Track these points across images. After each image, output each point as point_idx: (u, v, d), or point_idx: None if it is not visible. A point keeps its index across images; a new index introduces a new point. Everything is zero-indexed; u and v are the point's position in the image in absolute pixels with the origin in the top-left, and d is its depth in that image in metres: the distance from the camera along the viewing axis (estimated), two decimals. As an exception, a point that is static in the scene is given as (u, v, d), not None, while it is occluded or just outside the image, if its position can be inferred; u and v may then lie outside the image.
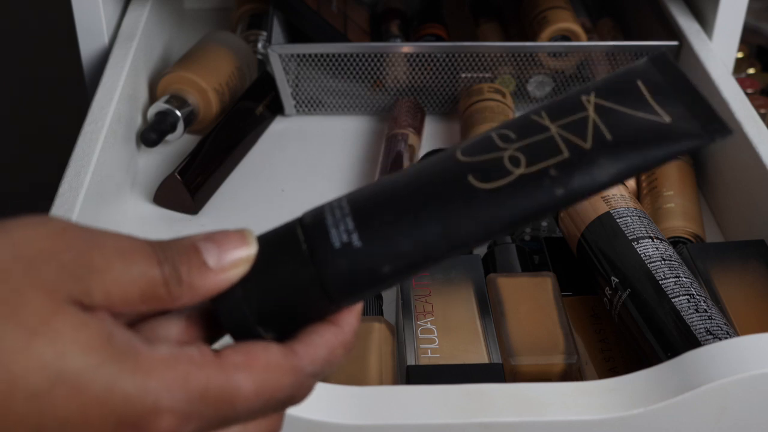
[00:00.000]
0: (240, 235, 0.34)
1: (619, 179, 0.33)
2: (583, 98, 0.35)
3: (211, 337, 0.36)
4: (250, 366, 0.32)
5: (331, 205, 0.34)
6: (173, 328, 0.34)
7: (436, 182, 0.34)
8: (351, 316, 0.35)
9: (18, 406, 0.29)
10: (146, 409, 0.30)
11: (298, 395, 0.34)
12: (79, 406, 0.29)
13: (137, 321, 0.34)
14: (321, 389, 0.46)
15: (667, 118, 0.34)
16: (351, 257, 0.33)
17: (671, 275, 0.53)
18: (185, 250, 0.33)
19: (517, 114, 0.79)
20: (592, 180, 0.33)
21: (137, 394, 0.30)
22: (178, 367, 0.31)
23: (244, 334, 0.34)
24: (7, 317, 0.29)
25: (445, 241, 0.33)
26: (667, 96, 0.34)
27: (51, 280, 0.30)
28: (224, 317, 0.34)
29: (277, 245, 0.34)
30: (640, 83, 0.35)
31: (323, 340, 0.34)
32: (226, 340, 0.35)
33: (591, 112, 0.34)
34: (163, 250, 0.32)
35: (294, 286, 0.34)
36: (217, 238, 0.33)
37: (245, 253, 0.33)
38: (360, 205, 0.34)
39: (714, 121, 0.34)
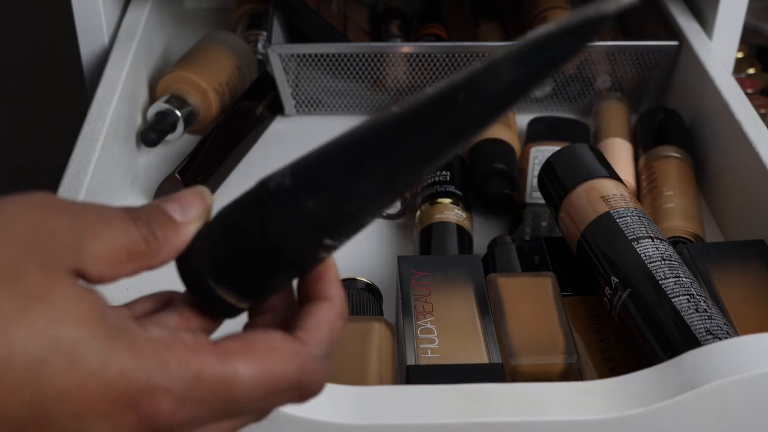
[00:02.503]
0: (195, 191, 0.37)
1: (526, 82, 0.32)
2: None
3: (207, 332, 0.36)
4: (248, 352, 0.32)
5: (279, 171, 0.36)
6: (169, 320, 0.35)
7: (365, 125, 0.34)
8: (335, 287, 0.36)
9: (16, 376, 0.29)
10: (142, 386, 0.30)
11: (310, 382, 0.34)
12: (77, 378, 0.30)
13: (140, 317, 0.35)
14: (321, 389, 0.46)
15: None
16: (282, 196, 0.34)
17: (671, 275, 0.53)
18: (153, 211, 0.35)
19: (518, 115, 0.79)
20: (497, 81, 0.31)
21: (130, 369, 0.30)
22: (170, 348, 0.31)
23: (200, 290, 0.35)
24: (5, 288, 0.29)
25: (359, 161, 0.34)
26: None
27: (46, 252, 0.31)
28: (180, 272, 0.36)
29: (230, 205, 0.36)
30: None
31: (321, 319, 0.35)
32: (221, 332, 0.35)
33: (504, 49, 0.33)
34: (137, 214, 0.35)
35: (238, 235, 0.35)
36: (175, 197, 0.36)
37: (203, 204, 0.36)
38: (301, 157, 0.36)
39: None
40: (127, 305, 0.36)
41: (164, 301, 0.37)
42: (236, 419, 0.33)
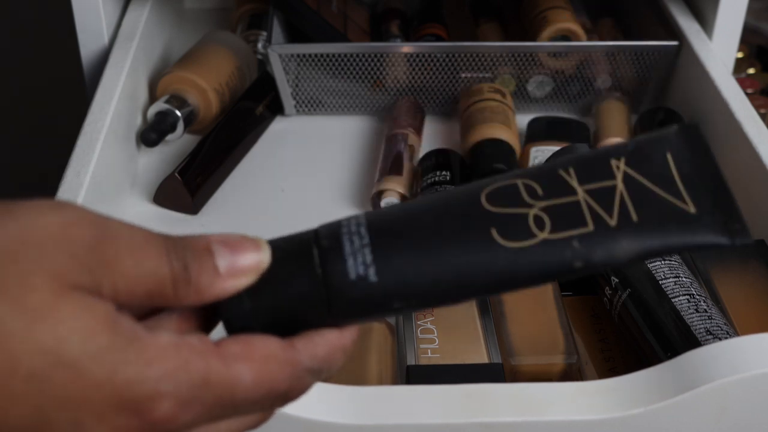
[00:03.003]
0: (254, 243, 0.34)
1: (636, 260, 0.34)
2: (613, 163, 0.35)
3: (204, 330, 0.36)
4: (249, 357, 0.32)
5: (350, 230, 0.34)
6: (169, 320, 0.34)
7: (458, 227, 0.34)
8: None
9: (18, 386, 0.29)
10: (146, 394, 0.30)
11: (294, 390, 0.34)
12: (80, 388, 0.29)
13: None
14: (321, 389, 0.46)
15: (692, 209, 0.34)
16: (365, 291, 0.33)
17: (671, 275, 0.53)
18: (198, 250, 0.33)
19: (518, 115, 0.79)
20: (611, 258, 0.34)
21: (138, 380, 0.30)
22: (180, 354, 0.31)
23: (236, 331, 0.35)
24: (12, 301, 0.29)
25: (457, 289, 0.34)
26: (695, 181, 0.35)
27: (59, 264, 0.30)
28: (229, 324, 0.34)
29: (290, 261, 0.34)
30: (669, 157, 0.35)
31: (324, 339, 0.34)
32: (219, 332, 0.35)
33: (619, 182, 0.34)
34: (175, 248, 0.32)
35: (303, 306, 0.34)
36: (231, 242, 0.33)
37: (257, 263, 0.33)
38: (380, 237, 0.34)
39: (736, 221, 0.34)
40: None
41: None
42: (233, 421, 0.34)
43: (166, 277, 0.32)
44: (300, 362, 0.33)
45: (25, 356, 0.29)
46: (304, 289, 0.33)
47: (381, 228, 0.34)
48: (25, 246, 0.30)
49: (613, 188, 0.34)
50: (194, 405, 0.31)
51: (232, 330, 0.34)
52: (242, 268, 0.33)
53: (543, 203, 0.34)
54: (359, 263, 0.33)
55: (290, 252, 0.34)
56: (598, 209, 0.34)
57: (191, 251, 0.33)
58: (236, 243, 0.33)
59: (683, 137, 0.36)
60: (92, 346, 0.30)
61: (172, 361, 0.31)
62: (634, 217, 0.34)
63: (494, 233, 0.34)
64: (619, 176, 0.35)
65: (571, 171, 0.35)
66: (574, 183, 0.35)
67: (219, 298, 0.33)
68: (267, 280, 0.34)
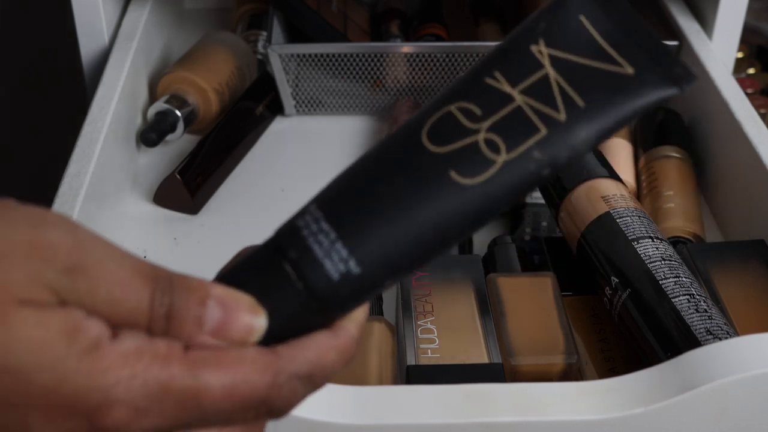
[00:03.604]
0: (253, 309, 0.32)
1: (597, 143, 0.33)
2: (534, 49, 0.33)
3: None
4: (219, 362, 0.31)
5: (311, 230, 0.32)
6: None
7: (417, 181, 0.32)
8: (348, 323, 0.34)
9: None
10: (98, 401, 0.30)
11: (278, 399, 0.32)
12: (25, 393, 0.29)
13: None
14: (321, 389, 0.46)
15: (629, 69, 0.33)
16: (352, 284, 0.32)
17: (671, 275, 0.53)
18: (190, 299, 0.31)
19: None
20: (574, 152, 0.32)
21: (89, 388, 0.30)
22: (140, 361, 0.30)
23: None
24: None
25: (440, 243, 0.33)
26: (620, 38, 0.33)
27: (35, 268, 0.30)
28: None
29: (267, 288, 0.32)
30: (584, 20, 0.33)
31: (311, 342, 0.33)
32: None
33: (549, 69, 0.33)
34: (163, 290, 0.31)
35: (299, 324, 0.33)
36: (228, 300, 0.32)
37: (248, 332, 0.32)
38: (344, 225, 0.32)
39: (676, 66, 0.33)
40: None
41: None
42: (205, 429, 0.32)
43: (143, 318, 0.31)
44: (282, 368, 0.32)
45: None
46: (295, 310, 0.32)
47: (340, 214, 0.33)
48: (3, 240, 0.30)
49: (546, 78, 0.33)
50: (151, 412, 0.30)
51: None
52: (227, 338, 0.32)
53: (486, 123, 0.33)
54: (337, 261, 0.32)
55: (262, 279, 0.32)
56: (543, 108, 0.33)
57: (183, 297, 0.31)
58: (231, 303, 0.32)
59: None
60: (42, 357, 0.29)
61: (129, 368, 0.30)
62: (580, 102, 0.33)
63: (454, 175, 0.32)
64: (546, 62, 0.33)
65: (498, 75, 0.34)
66: (507, 88, 0.33)
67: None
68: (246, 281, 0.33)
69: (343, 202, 0.33)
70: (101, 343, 0.30)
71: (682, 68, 0.33)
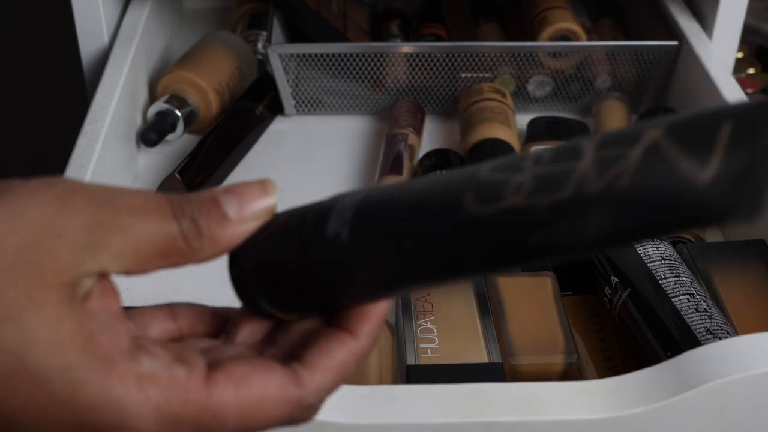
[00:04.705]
0: (261, 185, 0.33)
1: (608, 241, 0.27)
2: (648, 132, 0.27)
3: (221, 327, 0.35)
4: (241, 397, 0.31)
5: (350, 194, 0.33)
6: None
7: (437, 197, 0.30)
8: (369, 325, 0.33)
9: None
10: (109, 423, 0.29)
11: (293, 421, 0.32)
12: (39, 401, 0.29)
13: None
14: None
15: (704, 174, 0.25)
16: (336, 249, 0.32)
17: (671, 275, 0.53)
18: (205, 202, 0.32)
19: (518, 115, 0.79)
20: (574, 233, 0.27)
21: (100, 405, 0.29)
22: (157, 386, 0.30)
23: (248, 301, 0.34)
24: None
25: (410, 271, 0.31)
26: (738, 146, 0.25)
27: (46, 259, 0.29)
28: (230, 270, 0.34)
29: (291, 220, 0.33)
30: (726, 126, 0.26)
31: (334, 363, 0.32)
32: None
33: (639, 149, 0.27)
34: (180, 205, 0.32)
35: (286, 265, 0.33)
36: (237, 189, 0.33)
37: (265, 204, 0.33)
38: (367, 202, 0.32)
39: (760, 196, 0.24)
40: (140, 321, 0.34)
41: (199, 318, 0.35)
42: None
43: (175, 233, 0.31)
44: (303, 400, 0.32)
45: None
46: (289, 246, 0.33)
47: (375, 195, 0.32)
48: (12, 234, 0.29)
49: (624, 155, 0.27)
50: None
51: (236, 287, 0.34)
52: (252, 212, 0.32)
53: (538, 169, 0.29)
54: (339, 221, 0.32)
55: (295, 214, 0.34)
56: (591, 176, 0.27)
57: (197, 205, 0.32)
58: (241, 189, 0.33)
59: (759, 108, 0.26)
60: (56, 361, 0.29)
61: (145, 391, 0.29)
62: (624, 181, 0.26)
63: (466, 197, 0.30)
64: (645, 143, 0.27)
65: (597, 138, 0.28)
66: (588, 150, 0.28)
67: (234, 245, 0.32)
68: (266, 239, 0.33)
69: (383, 190, 0.32)
70: (118, 358, 0.30)
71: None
